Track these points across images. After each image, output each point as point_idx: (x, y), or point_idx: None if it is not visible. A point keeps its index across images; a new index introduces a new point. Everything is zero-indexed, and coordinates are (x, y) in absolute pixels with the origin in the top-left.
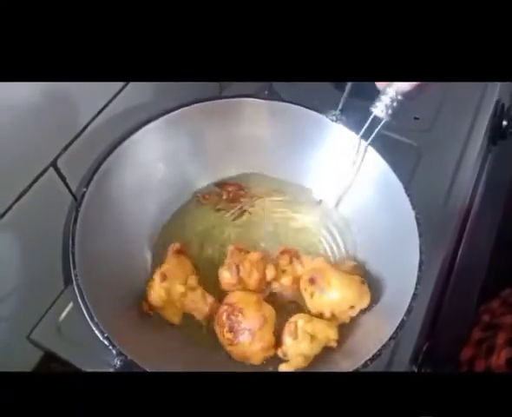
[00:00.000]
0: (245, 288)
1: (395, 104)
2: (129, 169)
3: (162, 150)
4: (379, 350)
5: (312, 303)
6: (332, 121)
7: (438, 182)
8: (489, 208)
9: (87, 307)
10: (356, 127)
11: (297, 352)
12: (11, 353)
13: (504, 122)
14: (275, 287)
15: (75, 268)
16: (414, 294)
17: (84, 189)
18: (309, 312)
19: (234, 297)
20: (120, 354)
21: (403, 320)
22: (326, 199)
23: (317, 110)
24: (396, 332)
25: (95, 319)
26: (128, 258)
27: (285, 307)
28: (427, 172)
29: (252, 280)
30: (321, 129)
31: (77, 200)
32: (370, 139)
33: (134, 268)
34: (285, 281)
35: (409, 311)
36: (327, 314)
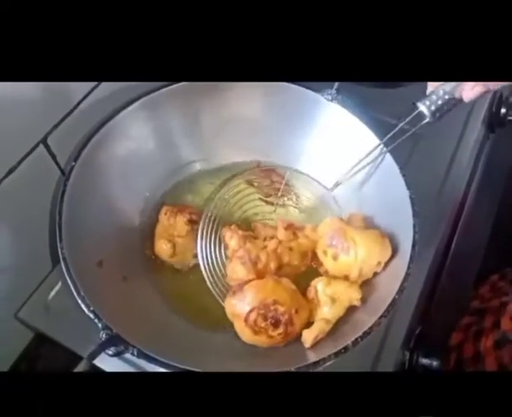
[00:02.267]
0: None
1: (444, 107)
2: (118, 145)
3: (152, 128)
4: (370, 328)
5: (337, 266)
6: (328, 100)
7: (435, 168)
8: (487, 195)
9: (73, 281)
10: (351, 107)
11: (319, 316)
12: (1, 334)
13: (503, 110)
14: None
15: (61, 240)
16: (406, 273)
17: (73, 163)
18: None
19: (258, 294)
20: (106, 327)
21: (394, 298)
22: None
23: (312, 89)
24: (387, 310)
25: (82, 292)
26: (116, 233)
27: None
28: (423, 158)
29: (269, 269)
30: (317, 107)
31: (65, 174)
32: (388, 137)
33: (122, 242)
34: (295, 260)
35: (401, 290)
36: (354, 274)
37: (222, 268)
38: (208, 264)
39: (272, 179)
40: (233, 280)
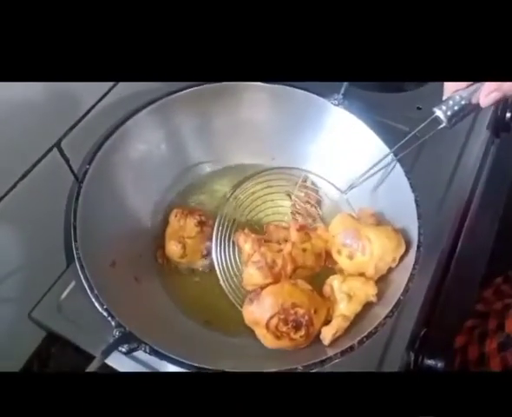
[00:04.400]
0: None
1: (460, 113)
2: (132, 149)
3: (164, 132)
4: (375, 328)
5: (353, 265)
6: (334, 105)
7: (440, 172)
8: (492, 199)
9: (87, 280)
10: (357, 111)
11: (336, 313)
12: (14, 333)
13: (508, 115)
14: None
15: (76, 240)
16: (411, 274)
17: (87, 166)
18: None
19: (276, 299)
20: (119, 325)
21: (399, 299)
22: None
23: (319, 94)
24: (392, 311)
25: (95, 291)
26: (129, 234)
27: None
28: (429, 162)
29: (285, 272)
30: (324, 112)
31: (80, 176)
32: (398, 146)
33: (135, 243)
34: (310, 261)
35: (406, 291)
36: (371, 271)
37: (237, 271)
38: (223, 267)
39: (285, 180)
40: (250, 285)
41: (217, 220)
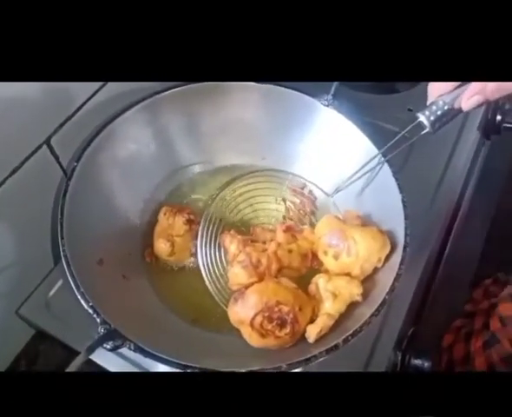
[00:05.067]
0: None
1: (444, 118)
2: (120, 147)
3: (153, 130)
4: (360, 326)
5: (338, 265)
6: (324, 105)
7: (430, 173)
8: (482, 201)
9: (73, 278)
10: (347, 112)
11: (321, 311)
12: (1, 330)
13: (498, 117)
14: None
15: (62, 238)
16: (397, 274)
17: (75, 164)
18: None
19: (260, 297)
20: (104, 322)
21: (384, 298)
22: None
23: (309, 95)
24: (377, 309)
25: (81, 288)
26: (116, 232)
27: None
28: (418, 163)
29: (271, 272)
30: (314, 112)
31: (67, 174)
32: (384, 149)
33: (123, 242)
34: (296, 262)
35: (391, 290)
36: (356, 271)
37: (223, 272)
38: (209, 269)
39: (274, 183)
40: (235, 284)
41: (202, 221)
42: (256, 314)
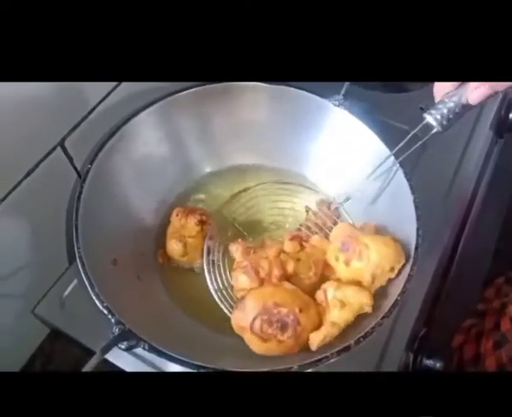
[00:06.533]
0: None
1: (451, 116)
2: (133, 149)
3: (165, 132)
4: (372, 328)
5: (349, 272)
6: (335, 105)
7: (442, 172)
8: (494, 200)
9: (88, 279)
10: (358, 112)
11: (328, 319)
12: (18, 329)
13: (511, 115)
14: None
15: (77, 240)
16: (409, 275)
17: (89, 166)
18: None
19: (257, 300)
20: (118, 322)
21: (396, 299)
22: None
23: (320, 95)
24: (389, 311)
25: (96, 289)
26: (130, 233)
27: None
28: (431, 162)
29: (273, 278)
30: (324, 113)
31: (82, 176)
32: (395, 150)
33: (136, 242)
34: (304, 270)
35: (403, 291)
36: (367, 279)
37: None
38: (215, 277)
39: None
40: (239, 290)
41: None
42: (254, 318)
